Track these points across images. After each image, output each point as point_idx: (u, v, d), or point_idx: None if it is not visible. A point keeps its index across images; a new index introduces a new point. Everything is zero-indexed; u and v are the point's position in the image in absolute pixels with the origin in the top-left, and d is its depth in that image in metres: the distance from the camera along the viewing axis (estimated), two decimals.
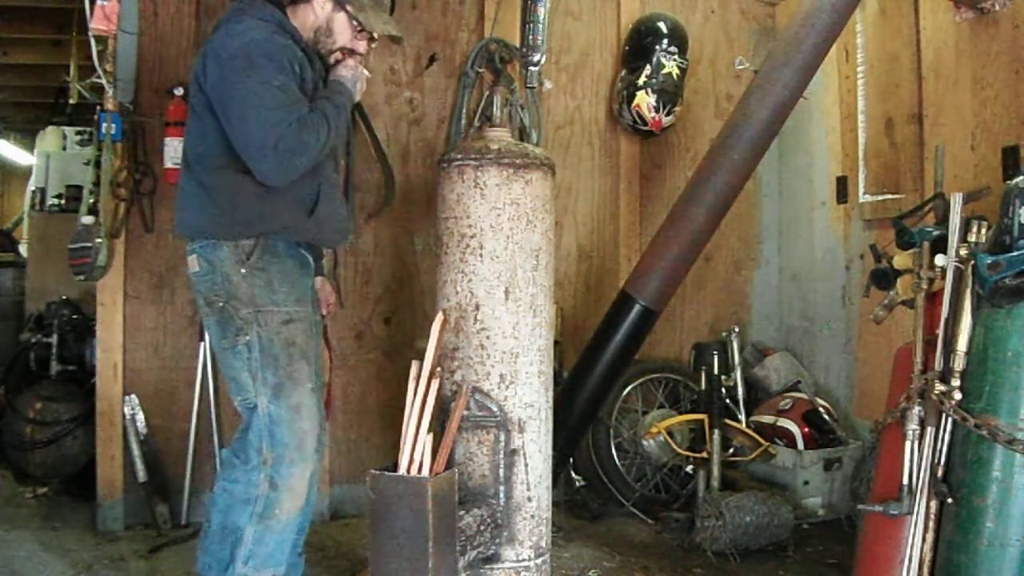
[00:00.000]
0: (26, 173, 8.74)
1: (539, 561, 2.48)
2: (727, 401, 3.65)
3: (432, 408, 2.16)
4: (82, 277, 3.21)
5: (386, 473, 2.14)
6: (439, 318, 2.32)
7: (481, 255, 2.42)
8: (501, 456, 2.39)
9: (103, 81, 3.17)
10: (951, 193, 2.37)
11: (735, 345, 3.88)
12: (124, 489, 3.33)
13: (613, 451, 3.71)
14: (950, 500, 2.19)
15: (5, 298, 5.58)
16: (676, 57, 3.86)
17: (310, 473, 2.33)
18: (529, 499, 2.44)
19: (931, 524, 2.24)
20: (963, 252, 2.26)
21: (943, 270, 2.32)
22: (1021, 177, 2.23)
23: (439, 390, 2.22)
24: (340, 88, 2.40)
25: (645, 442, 3.68)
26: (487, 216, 2.42)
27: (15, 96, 7.36)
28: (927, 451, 2.26)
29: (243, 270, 2.27)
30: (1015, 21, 2.92)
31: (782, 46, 3.01)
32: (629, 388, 3.81)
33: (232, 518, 2.28)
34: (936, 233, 2.41)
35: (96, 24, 3.08)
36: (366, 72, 2.49)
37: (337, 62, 2.46)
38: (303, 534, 2.53)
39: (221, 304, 2.28)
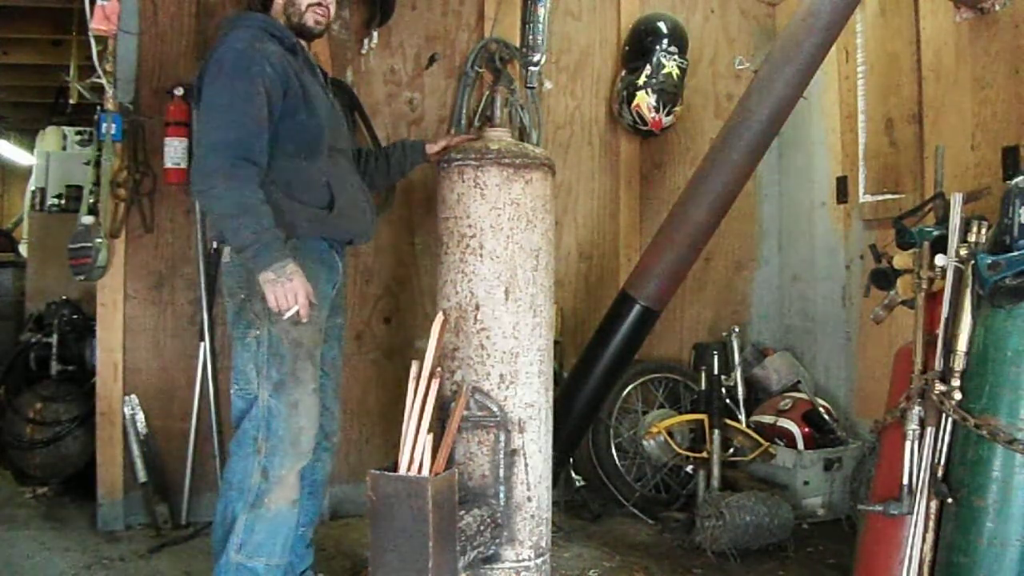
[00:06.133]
0: (26, 173, 8.73)
1: (539, 561, 2.48)
2: (727, 401, 3.65)
3: (432, 408, 2.16)
4: (82, 277, 3.21)
5: (386, 473, 2.14)
6: (439, 318, 2.32)
7: (481, 255, 2.42)
8: (501, 456, 2.39)
9: (103, 81, 3.18)
10: (951, 193, 2.37)
11: (735, 345, 3.88)
12: (124, 489, 3.33)
13: (613, 451, 3.71)
14: (950, 500, 2.19)
15: (5, 298, 5.57)
16: (676, 57, 3.86)
17: (301, 467, 2.39)
18: (529, 499, 2.44)
19: (931, 524, 2.24)
20: (963, 252, 2.26)
21: (943, 270, 2.32)
22: (1021, 177, 2.23)
23: (439, 390, 2.22)
24: (259, 246, 2.21)
25: (645, 442, 3.68)
26: (487, 216, 2.42)
27: (15, 96, 7.35)
28: (927, 451, 2.26)
29: None
30: (1015, 21, 2.92)
31: (782, 46, 3.01)
32: (629, 388, 3.81)
33: (230, 506, 2.36)
34: (936, 233, 2.41)
35: (96, 24, 3.09)
36: (300, 305, 2.24)
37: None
38: (311, 527, 2.63)
39: (242, 297, 2.35)
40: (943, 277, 2.32)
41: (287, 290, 2.21)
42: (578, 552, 3.23)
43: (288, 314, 2.23)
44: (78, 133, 6.81)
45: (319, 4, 2.50)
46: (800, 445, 3.55)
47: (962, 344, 2.22)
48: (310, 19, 2.50)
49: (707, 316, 4.30)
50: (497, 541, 2.38)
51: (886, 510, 2.30)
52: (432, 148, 2.84)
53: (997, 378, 2.13)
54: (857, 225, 3.85)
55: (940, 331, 2.29)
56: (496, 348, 2.42)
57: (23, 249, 6.50)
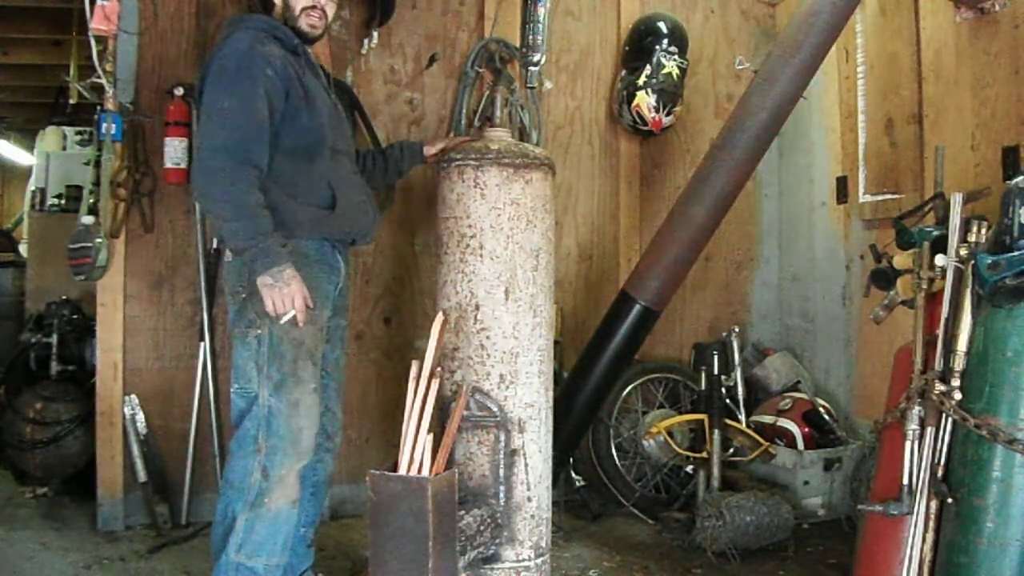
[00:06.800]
0: (26, 173, 8.73)
1: (539, 561, 2.48)
2: (727, 401, 3.65)
3: (432, 408, 2.15)
4: (82, 277, 3.21)
5: (386, 473, 2.14)
6: (439, 318, 2.32)
7: (481, 255, 2.42)
8: (501, 456, 2.39)
9: (103, 81, 3.18)
10: (951, 193, 2.38)
11: (735, 345, 3.87)
12: (124, 489, 3.33)
13: (613, 451, 3.71)
14: (950, 500, 2.19)
15: (5, 298, 5.57)
16: (676, 57, 3.86)
17: (302, 467, 2.40)
18: (529, 499, 2.44)
19: (931, 524, 2.25)
20: (963, 252, 2.26)
21: (943, 270, 2.32)
22: (1021, 177, 2.23)
23: (439, 390, 2.22)
24: (255, 248, 2.22)
25: (645, 442, 3.67)
26: (487, 216, 2.42)
27: (15, 96, 7.35)
28: (927, 451, 2.26)
29: None
30: (1015, 21, 2.92)
31: (782, 46, 3.01)
32: (629, 388, 3.81)
33: (231, 506, 2.37)
34: (936, 233, 2.41)
35: (96, 24, 3.08)
36: (297, 309, 2.26)
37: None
38: (312, 527, 2.64)
39: (243, 296, 2.36)
40: (943, 277, 2.32)
41: (284, 295, 2.23)
42: (578, 552, 3.23)
43: (285, 318, 2.25)
44: (78, 133, 6.82)
45: (313, 7, 2.50)
46: (800, 445, 3.55)
47: (962, 344, 2.22)
48: (304, 24, 2.50)
49: (707, 316, 4.30)
50: (497, 541, 2.38)
51: (886, 510, 2.30)
52: (430, 150, 2.85)
53: (997, 378, 2.13)
54: (857, 225, 3.85)
55: (940, 331, 2.29)
56: (496, 348, 2.41)
57: (23, 249, 6.50)
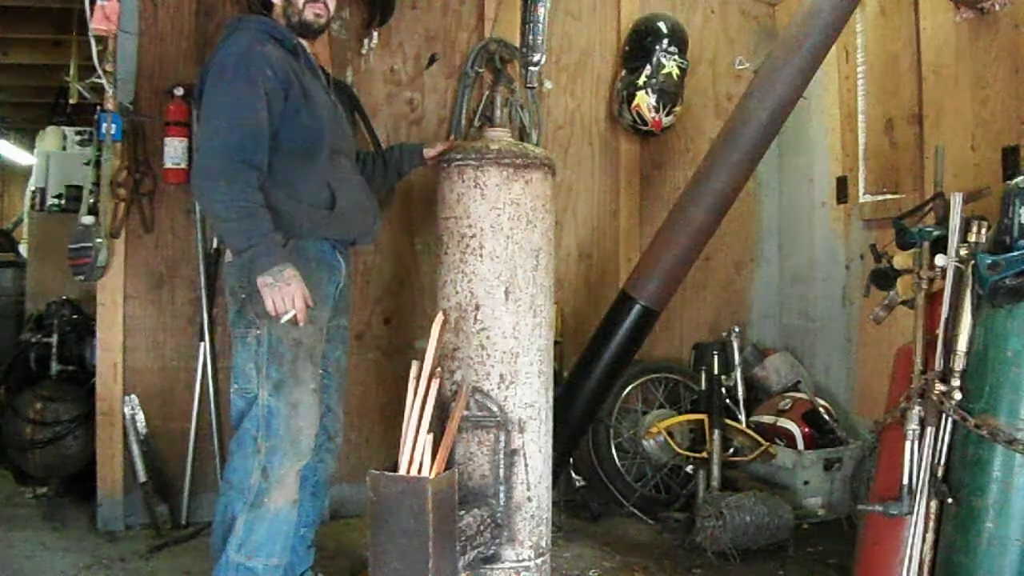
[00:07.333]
0: (26, 173, 8.73)
1: (539, 561, 2.48)
2: (727, 401, 3.65)
3: (432, 408, 2.16)
4: (82, 277, 3.21)
5: (386, 473, 2.14)
6: (439, 318, 2.32)
7: (481, 255, 2.42)
8: (501, 456, 2.39)
9: (103, 81, 3.18)
10: (951, 193, 2.37)
11: (735, 345, 3.87)
12: (124, 489, 3.33)
13: (613, 451, 3.71)
14: (950, 500, 2.19)
15: (5, 298, 5.57)
16: (676, 57, 3.86)
17: (301, 467, 2.40)
18: (529, 499, 2.44)
19: (931, 524, 2.24)
20: (963, 252, 2.26)
21: (943, 270, 2.32)
22: (1021, 177, 2.23)
23: (439, 390, 2.22)
24: (255, 248, 2.23)
25: (645, 442, 3.68)
26: (487, 216, 2.43)
27: (15, 96, 7.36)
28: (927, 451, 2.26)
29: None
30: (1015, 21, 2.92)
31: (782, 46, 3.01)
32: (629, 388, 3.81)
33: (230, 506, 2.37)
34: (936, 233, 2.41)
35: (96, 24, 3.08)
36: (297, 308, 2.25)
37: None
38: (312, 528, 2.65)
39: (243, 296, 2.35)
40: (943, 277, 2.32)
41: (284, 294, 2.23)
42: (578, 552, 3.23)
43: (285, 318, 2.25)
44: (78, 133, 6.82)
45: (316, 0, 2.50)
46: (800, 445, 3.55)
47: (962, 344, 2.22)
48: (309, 14, 2.50)
49: (707, 316, 4.30)
50: (497, 541, 2.38)
51: (886, 510, 2.29)
52: (429, 152, 2.85)
53: (997, 378, 2.13)
54: (857, 225, 3.85)
55: (940, 331, 2.29)
56: (496, 348, 2.42)
57: (23, 249, 6.50)
